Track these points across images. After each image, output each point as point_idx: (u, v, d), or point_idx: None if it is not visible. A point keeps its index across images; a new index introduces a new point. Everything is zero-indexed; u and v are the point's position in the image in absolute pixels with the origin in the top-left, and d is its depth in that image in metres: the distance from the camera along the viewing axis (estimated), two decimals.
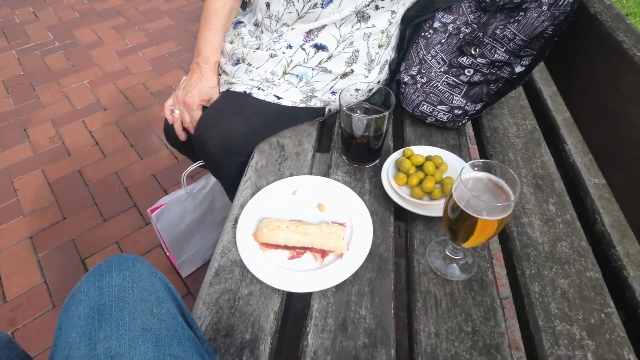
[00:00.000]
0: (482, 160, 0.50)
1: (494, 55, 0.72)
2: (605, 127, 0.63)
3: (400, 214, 0.69)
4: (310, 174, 0.78)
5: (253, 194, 0.72)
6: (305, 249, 0.61)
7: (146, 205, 1.48)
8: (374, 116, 0.66)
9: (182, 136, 0.87)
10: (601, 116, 0.64)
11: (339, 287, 0.58)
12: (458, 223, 0.50)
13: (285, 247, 0.61)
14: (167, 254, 1.21)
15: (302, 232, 0.60)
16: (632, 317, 0.55)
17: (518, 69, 0.73)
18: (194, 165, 0.92)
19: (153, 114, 1.85)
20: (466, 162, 0.75)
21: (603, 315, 0.54)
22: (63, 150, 1.69)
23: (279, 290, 0.58)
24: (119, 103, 1.92)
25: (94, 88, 2.01)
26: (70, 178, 1.57)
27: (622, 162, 0.60)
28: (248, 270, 0.60)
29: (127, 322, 0.42)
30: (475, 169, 0.51)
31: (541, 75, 0.95)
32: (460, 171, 0.49)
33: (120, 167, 1.61)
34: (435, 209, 0.66)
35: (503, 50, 0.71)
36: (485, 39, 0.72)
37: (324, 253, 0.60)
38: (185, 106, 0.83)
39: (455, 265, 0.60)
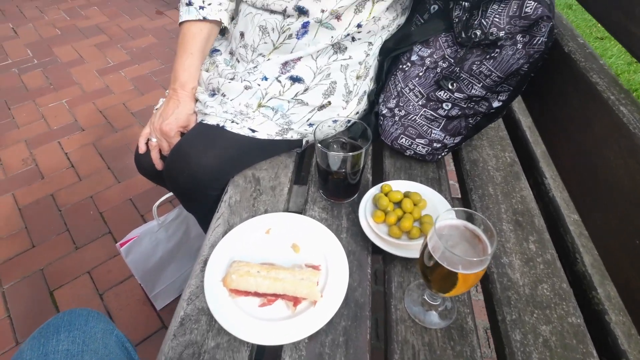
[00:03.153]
0: (457, 209, 0.48)
1: (471, 90, 0.71)
2: (580, 166, 0.62)
3: (379, 252, 0.67)
4: (287, 209, 0.75)
5: (225, 232, 0.68)
6: (276, 296, 0.57)
7: (121, 231, 1.42)
8: (351, 153, 0.64)
9: (159, 165, 0.84)
10: (576, 155, 0.63)
11: (312, 338, 0.55)
12: (433, 274, 0.48)
13: (256, 294, 0.58)
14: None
15: (274, 277, 0.57)
16: None
17: (495, 104, 0.72)
18: (166, 196, 0.88)
19: (132, 135, 1.81)
20: (445, 197, 0.74)
21: None
22: (36, 173, 1.63)
23: (247, 342, 0.55)
24: (97, 123, 1.87)
25: (72, 107, 1.96)
26: (42, 202, 1.51)
27: (599, 203, 0.59)
28: (216, 320, 0.56)
29: None
30: (451, 215, 0.49)
31: (520, 106, 0.95)
32: (435, 220, 0.47)
33: (95, 190, 1.55)
34: (413, 249, 0.63)
35: (480, 85, 0.70)
36: (462, 74, 0.71)
37: (296, 300, 0.57)
38: (162, 134, 0.80)
39: (433, 312, 0.57)
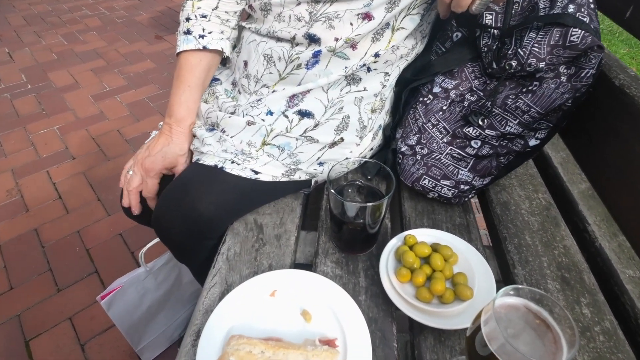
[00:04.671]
0: (516, 286, 0.38)
1: (505, 127, 0.62)
2: None
3: (405, 316, 0.56)
4: (294, 261, 0.65)
5: (222, 295, 0.58)
6: None
7: (109, 270, 1.31)
8: (370, 204, 0.54)
9: (135, 208, 0.72)
10: None
11: None
12: None
13: None
14: None
15: None
16: None
17: (532, 142, 0.64)
18: (153, 242, 0.78)
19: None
20: (477, 248, 0.64)
21: None
22: (21, 205, 1.52)
23: None
24: (89, 151, 1.78)
25: (63, 134, 1.88)
26: (24, 238, 1.40)
27: None
28: None
29: None
30: (511, 292, 0.39)
31: None
32: (493, 301, 0.37)
33: (83, 224, 1.45)
34: (447, 317, 0.53)
35: (516, 122, 0.62)
36: (494, 109, 0.63)
37: None
38: (144, 169, 0.71)
39: None
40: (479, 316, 0.39)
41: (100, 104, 2.09)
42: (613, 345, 0.52)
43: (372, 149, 0.76)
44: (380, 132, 0.76)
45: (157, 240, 0.78)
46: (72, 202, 1.53)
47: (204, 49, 0.71)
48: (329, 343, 0.51)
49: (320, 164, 0.70)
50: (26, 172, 1.67)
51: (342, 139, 0.70)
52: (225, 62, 0.81)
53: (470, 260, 0.59)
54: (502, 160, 0.67)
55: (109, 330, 1.13)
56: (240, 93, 0.74)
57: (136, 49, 2.61)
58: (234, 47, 0.79)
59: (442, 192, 0.69)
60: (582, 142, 0.67)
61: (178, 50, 0.72)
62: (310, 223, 0.78)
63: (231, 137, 0.67)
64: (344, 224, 0.60)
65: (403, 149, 0.71)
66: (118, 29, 2.88)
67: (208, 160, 0.66)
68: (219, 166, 0.65)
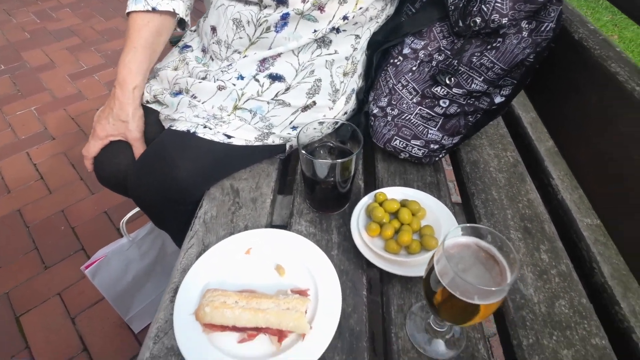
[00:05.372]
0: (468, 225, 0.41)
1: (471, 85, 0.64)
2: (601, 170, 0.56)
3: (375, 269, 0.59)
4: (270, 223, 0.67)
5: (199, 255, 0.60)
6: (258, 330, 0.49)
7: (95, 247, 1.31)
8: (339, 160, 0.56)
9: (87, 163, 0.77)
10: (596, 157, 0.57)
11: None
12: (441, 302, 0.40)
13: (234, 328, 0.49)
14: None
15: (254, 308, 0.49)
16: None
17: (497, 99, 0.66)
18: (134, 211, 0.79)
19: None
20: (446, 203, 0.66)
21: None
22: (2, 187, 1.50)
23: None
24: (69, 131, 1.75)
25: (41, 115, 1.84)
26: (8, 219, 1.39)
27: (625, 210, 0.52)
28: None
29: None
30: (462, 232, 0.41)
31: (519, 100, 0.89)
32: (443, 239, 0.39)
33: (67, 204, 1.44)
34: (413, 266, 0.56)
35: (481, 79, 0.63)
36: (460, 67, 0.64)
37: (281, 334, 0.49)
38: (93, 130, 0.73)
39: (440, 340, 0.50)
40: (432, 258, 0.41)
41: (77, 83, 2.04)
42: (567, 286, 0.56)
43: (345, 112, 0.77)
44: (354, 95, 0.77)
45: (137, 209, 0.79)
46: (54, 182, 1.52)
47: (154, 10, 0.70)
48: (301, 293, 0.53)
49: (294, 127, 0.71)
50: (5, 154, 1.64)
51: (314, 103, 0.71)
52: (184, 26, 0.79)
53: (438, 214, 0.62)
54: (470, 119, 0.69)
55: (98, 304, 1.15)
56: (212, 60, 0.74)
57: (112, 25, 2.53)
58: (205, 16, 0.78)
59: (413, 152, 0.71)
60: (544, 98, 0.69)
61: (127, 10, 0.72)
62: (288, 190, 0.80)
63: (202, 103, 0.67)
64: (316, 184, 0.62)
65: (375, 111, 0.72)
66: (92, 5, 2.77)
67: (180, 126, 0.66)
68: (192, 131, 0.65)
